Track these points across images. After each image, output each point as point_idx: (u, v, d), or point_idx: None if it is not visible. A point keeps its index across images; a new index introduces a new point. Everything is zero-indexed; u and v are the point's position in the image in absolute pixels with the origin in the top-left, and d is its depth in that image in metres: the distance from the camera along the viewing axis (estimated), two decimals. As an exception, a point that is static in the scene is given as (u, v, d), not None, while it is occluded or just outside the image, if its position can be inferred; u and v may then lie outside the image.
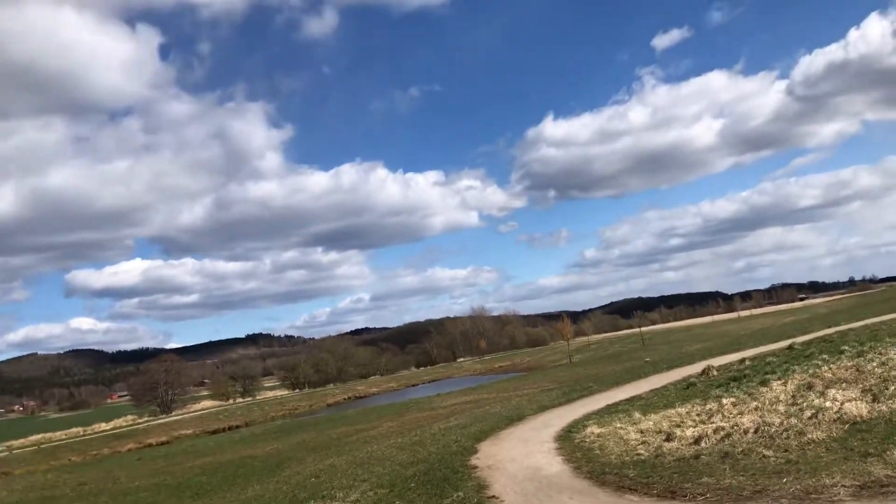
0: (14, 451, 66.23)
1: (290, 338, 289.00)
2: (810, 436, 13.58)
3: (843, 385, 16.67)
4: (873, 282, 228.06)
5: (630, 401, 22.41)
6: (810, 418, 14.57)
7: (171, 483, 27.47)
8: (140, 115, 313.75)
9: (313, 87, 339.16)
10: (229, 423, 74.97)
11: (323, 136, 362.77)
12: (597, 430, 18.07)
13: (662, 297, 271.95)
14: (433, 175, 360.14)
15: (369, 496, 15.14)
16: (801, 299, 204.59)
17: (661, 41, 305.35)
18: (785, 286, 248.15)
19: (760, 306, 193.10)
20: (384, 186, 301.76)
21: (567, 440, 18.22)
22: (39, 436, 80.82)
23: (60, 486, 32.53)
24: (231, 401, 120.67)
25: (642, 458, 14.76)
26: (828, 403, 15.13)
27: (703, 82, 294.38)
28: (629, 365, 44.78)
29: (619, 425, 18.10)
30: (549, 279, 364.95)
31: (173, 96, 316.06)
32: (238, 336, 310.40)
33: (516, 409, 26.88)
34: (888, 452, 11.73)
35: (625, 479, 13.39)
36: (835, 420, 14.11)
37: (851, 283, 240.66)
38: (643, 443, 15.86)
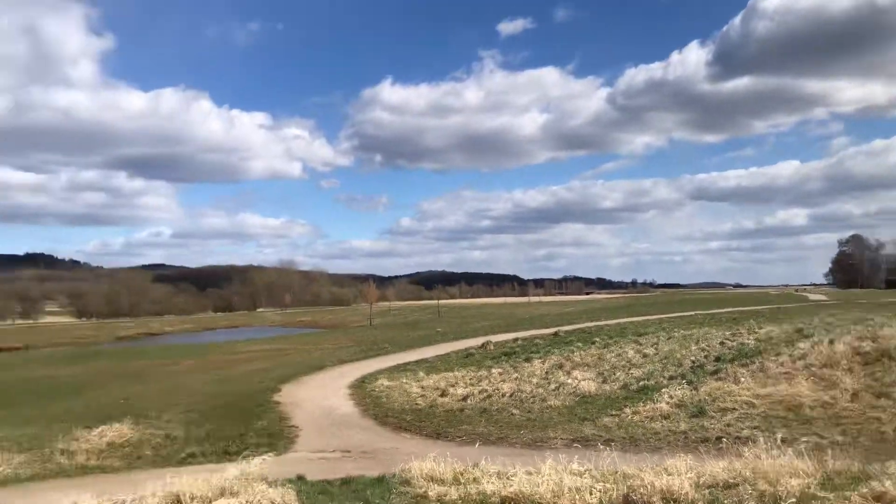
0: None
1: (76, 263, 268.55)
2: (550, 402, 17.46)
3: (585, 368, 20.88)
4: (652, 286, 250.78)
5: (418, 362, 25.77)
6: (554, 390, 18.51)
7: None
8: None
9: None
10: (6, 344, 71.36)
11: (147, 54, 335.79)
12: (386, 383, 21.19)
13: (465, 273, 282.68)
14: (260, 117, 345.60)
15: (181, 417, 17.13)
16: (587, 293, 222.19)
17: (507, 27, 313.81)
18: (575, 279, 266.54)
19: (550, 294, 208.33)
20: (206, 120, 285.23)
21: (360, 388, 21.14)
22: None
23: None
24: (10, 321, 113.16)
25: (419, 407, 18.04)
26: (569, 381, 19.20)
27: (536, 75, 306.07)
28: (423, 333, 48.58)
29: (405, 381, 21.31)
30: (361, 242, 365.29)
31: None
32: (16, 253, 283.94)
33: (317, 360, 29.49)
34: (599, 419, 15.70)
35: (403, 422, 16.56)
36: (570, 393, 18.11)
37: (633, 285, 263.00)
38: (422, 396, 19.18)
